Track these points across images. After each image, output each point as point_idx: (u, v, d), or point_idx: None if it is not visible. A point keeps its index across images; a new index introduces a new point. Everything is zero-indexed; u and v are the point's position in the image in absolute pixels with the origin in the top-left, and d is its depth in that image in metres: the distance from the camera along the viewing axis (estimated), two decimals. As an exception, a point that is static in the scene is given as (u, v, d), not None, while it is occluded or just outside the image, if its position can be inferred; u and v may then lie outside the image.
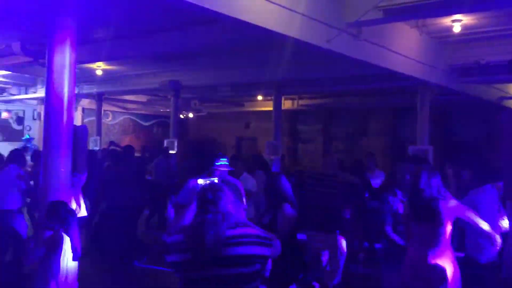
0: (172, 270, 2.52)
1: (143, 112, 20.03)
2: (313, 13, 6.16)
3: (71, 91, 4.13)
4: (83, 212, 4.05)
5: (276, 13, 5.87)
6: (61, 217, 3.67)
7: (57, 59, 4.07)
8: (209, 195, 2.49)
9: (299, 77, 11.61)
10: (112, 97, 16.57)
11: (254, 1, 5.50)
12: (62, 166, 3.93)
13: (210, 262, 2.36)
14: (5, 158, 6.71)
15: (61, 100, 4.03)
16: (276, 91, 12.48)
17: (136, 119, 20.11)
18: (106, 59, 10.47)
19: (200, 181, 2.79)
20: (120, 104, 18.54)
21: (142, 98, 17.69)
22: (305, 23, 6.14)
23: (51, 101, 4.03)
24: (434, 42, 8.92)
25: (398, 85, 10.93)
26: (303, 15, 6.06)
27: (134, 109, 19.54)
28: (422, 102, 9.89)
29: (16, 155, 6.69)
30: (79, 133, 4.04)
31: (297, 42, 6.44)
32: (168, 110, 16.01)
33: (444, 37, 8.75)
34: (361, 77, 10.84)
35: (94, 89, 14.48)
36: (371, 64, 7.49)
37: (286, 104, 14.83)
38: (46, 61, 4.06)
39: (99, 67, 11.59)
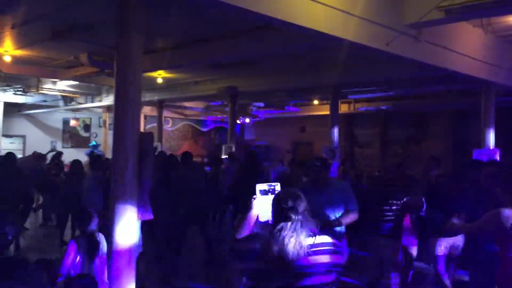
0: (246, 277, 2.47)
1: (201, 118, 20.49)
2: (371, 16, 6.09)
3: (137, 99, 4.33)
4: (149, 215, 4.22)
5: (332, 16, 5.84)
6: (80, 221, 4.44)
7: (125, 68, 4.28)
8: (289, 202, 2.40)
9: (356, 80, 11.47)
10: (172, 104, 17.07)
11: (309, 5, 5.49)
12: (130, 171, 4.13)
13: (289, 272, 2.29)
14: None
15: (128, 108, 4.24)
16: (333, 95, 12.38)
17: (194, 125, 20.60)
18: (167, 67, 10.81)
19: (263, 187, 2.69)
20: (179, 110, 19.06)
21: (200, 104, 18.12)
22: (362, 26, 6.08)
23: (119, 109, 4.25)
24: (499, 41, 8.56)
25: (461, 87, 10.56)
26: (361, 17, 6.01)
27: (192, 115, 20.02)
28: (486, 104, 9.48)
29: (96, 161, 7.51)
30: (146, 140, 4.23)
31: (354, 45, 6.40)
32: (225, 115, 16.30)
33: (510, 36, 8.38)
34: (420, 79, 10.56)
35: (155, 97, 14.98)
36: (432, 65, 7.30)
37: (343, 108, 14.68)
38: (114, 71, 4.28)
39: (160, 75, 11.97)
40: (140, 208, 4.11)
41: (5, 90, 14.70)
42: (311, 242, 2.36)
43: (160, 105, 15.74)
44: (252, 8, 4.76)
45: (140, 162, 4.13)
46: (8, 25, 7.66)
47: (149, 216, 4.15)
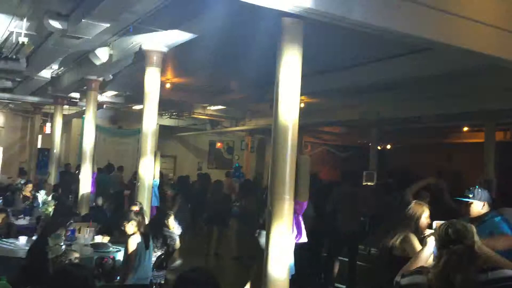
0: None
1: (339, 143, 20.31)
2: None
3: (293, 121, 4.44)
4: (304, 238, 4.25)
5: (493, 36, 5.45)
6: None
7: (284, 91, 4.43)
8: (451, 234, 2.29)
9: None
10: (311, 128, 17.21)
11: (469, 26, 5.20)
12: (286, 193, 4.21)
13: None
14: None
15: (286, 131, 4.37)
16: (489, 121, 11.42)
17: (332, 150, 20.47)
18: (310, 92, 10.98)
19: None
20: (318, 135, 19.14)
21: (339, 129, 18.00)
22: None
23: (277, 132, 4.39)
24: None
25: None
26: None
27: (331, 140, 19.95)
28: None
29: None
30: (302, 162, 4.30)
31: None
32: (365, 141, 15.97)
33: None
34: None
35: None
36: None
37: (498, 136, 13.43)
38: (274, 94, 4.43)
39: (302, 101, 12.16)
40: (297, 231, 4.16)
41: (161, 115, 16.19)
42: (483, 279, 2.17)
43: (300, 130, 15.92)
44: (413, 32, 4.67)
45: (296, 185, 4.20)
46: (173, 57, 8.47)
47: (304, 239, 4.17)
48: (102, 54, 7.10)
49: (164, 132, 18.74)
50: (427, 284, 2.23)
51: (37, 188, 9.50)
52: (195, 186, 12.28)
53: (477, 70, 7.87)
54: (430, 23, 4.85)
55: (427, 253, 2.55)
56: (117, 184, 12.09)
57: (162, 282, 5.25)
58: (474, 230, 2.37)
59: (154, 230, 5.22)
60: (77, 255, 3.98)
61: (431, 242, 2.54)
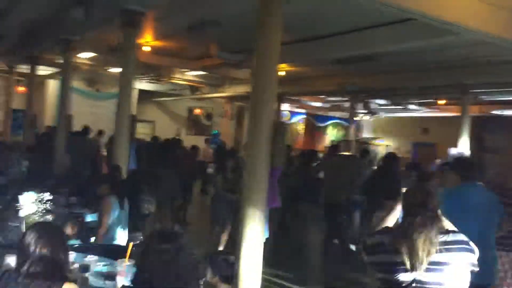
0: (373, 270, 2.48)
1: (318, 113, 20.39)
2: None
3: (272, 90, 4.44)
4: (277, 202, 4.31)
5: (473, 8, 5.50)
6: None
7: (262, 60, 4.40)
8: (418, 197, 2.40)
9: (492, 80, 10.62)
10: (290, 97, 17.22)
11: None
12: (262, 159, 4.25)
13: (419, 267, 2.26)
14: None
15: (263, 97, 4.36)
16: (464, 95, 11.60)
17: (311, 119, 20.57)
18: (290, 61, 10.94)
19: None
20: (297, 104, 19.16)
21: (318, 99, 18.05)
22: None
23: (255, 99, 4.39)
24: None
25: None
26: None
27: (310, 109, 20.01)
28: None
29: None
30: (279, 129, 4.33)
31: (495, 42, 5.96)
32: (343, 111, 16.08)
33: None
34: None
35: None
36: None
37: (472, 109, 13.68)
38: (254, 61, 4.41)
39: (283, 69, 12.10)
40: (270, 195, 4.21)
41: (140, 79, 15.93)
42: (443, 239, 2.32)
43: (280, 98, 15.91)
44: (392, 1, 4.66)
45: (272, 150, 4.24)
46: (151, 18, 8.27)
47: (277, 204, 4.24)
48: (79, 12, 6.92)
49: (142, 97, 18.50)
50: (392, 243, 2.35)
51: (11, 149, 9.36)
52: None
53: (454, 44, 7.95)
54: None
55: (394, 216, 2.65)
56: (94, 148, 11.94)
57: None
58: (438, 195, 2.50)
59: (129, 192, 5.21)
60: (51, 215, 3.97)
61: (398, 205, 2.64)
